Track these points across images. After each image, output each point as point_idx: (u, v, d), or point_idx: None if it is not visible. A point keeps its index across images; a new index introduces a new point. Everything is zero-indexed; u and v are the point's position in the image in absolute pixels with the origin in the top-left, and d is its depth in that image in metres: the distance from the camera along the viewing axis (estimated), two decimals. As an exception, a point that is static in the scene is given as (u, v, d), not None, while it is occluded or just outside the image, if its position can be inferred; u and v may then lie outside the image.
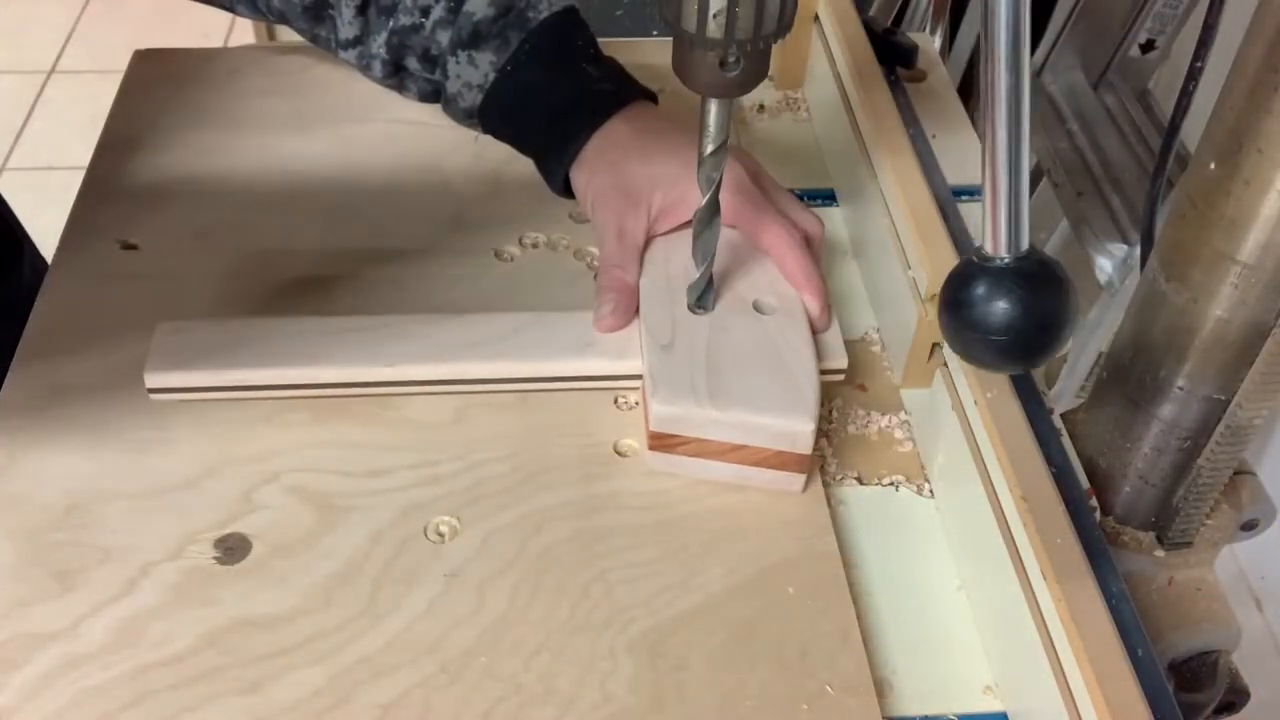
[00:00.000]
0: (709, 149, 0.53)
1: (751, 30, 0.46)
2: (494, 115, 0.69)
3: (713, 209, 0.56)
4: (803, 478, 0.56)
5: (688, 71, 0.49)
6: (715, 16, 0.45)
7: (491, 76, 0.67)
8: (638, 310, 0.60)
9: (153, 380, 0.57)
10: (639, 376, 0.59)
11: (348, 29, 0.69)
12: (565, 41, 0.66)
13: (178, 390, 0.58)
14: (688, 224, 0.63)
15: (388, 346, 0.59)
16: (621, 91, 0.66)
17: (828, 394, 0.62)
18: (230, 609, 0.51)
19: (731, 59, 0.47)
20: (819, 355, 0.58)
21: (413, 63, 0.70)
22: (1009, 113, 0.42)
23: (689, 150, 0.63)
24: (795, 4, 0.47)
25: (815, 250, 0.63)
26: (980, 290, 0.44)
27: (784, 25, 0.47)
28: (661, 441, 0.56)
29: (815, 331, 0.59)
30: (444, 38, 0.67)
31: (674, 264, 0.62)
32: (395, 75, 0.71)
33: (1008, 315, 0.44)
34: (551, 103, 0.66)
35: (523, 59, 0.66)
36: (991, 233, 0.44)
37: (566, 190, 0.67)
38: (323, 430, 0.58)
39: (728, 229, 0.62)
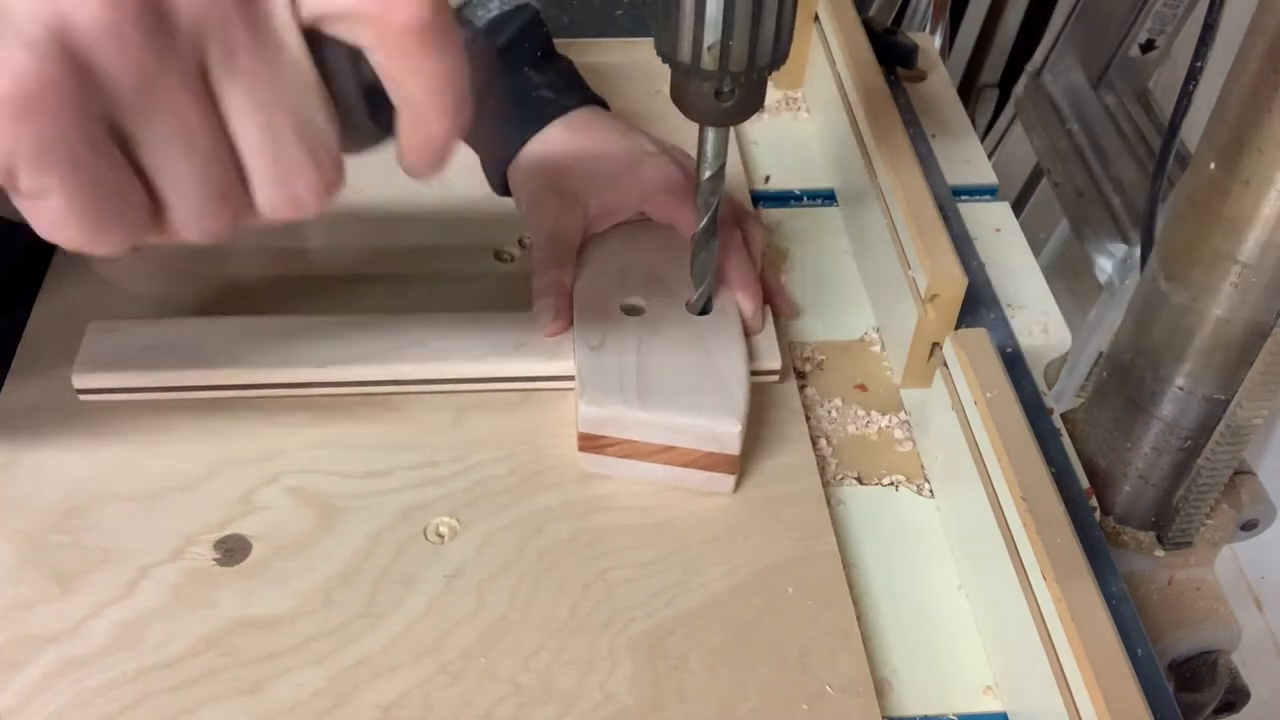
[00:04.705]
0: (706, 174, 0.53)
1: (746, 62, 0.46)
2: None
3: (710, 232, 0.56)
4: (733, 479, 0.56)
5: (684, 100, 0.49)
6: (710, 49, 0.45)
7: None
8: None
9: (81, 381, 0.57)
10: (571, 377, 0.58)
11: None
12: (510, 43, 0.66)
13: (108, 391, 0.57)
14: (623, 224, 0.63)
15: (319, 348, 0.58)
16: (563, 98, 0.65)
17: (826, 394, 0.62)
18: (230, 610, 0.51)
19: (726, 89, 0.47)
20: (751, 356, 0.58)
21: None
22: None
23: (626, 152, 0.62)
24: (790, 37, 0.47)
25: (753, 251, 0.63)
26: None
27: (778, 57, 0.47)
28: (591, 443, 0.55)
29: (749, 333, 0.59)
30: None
31: (609, 264, 0.61)
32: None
33: None
34: (489, 106, 0.66)
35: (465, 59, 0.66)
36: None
37: (506, 190, 0.67)
38: (322, 431, 0.58)
39: (665, 227, 0.62)
